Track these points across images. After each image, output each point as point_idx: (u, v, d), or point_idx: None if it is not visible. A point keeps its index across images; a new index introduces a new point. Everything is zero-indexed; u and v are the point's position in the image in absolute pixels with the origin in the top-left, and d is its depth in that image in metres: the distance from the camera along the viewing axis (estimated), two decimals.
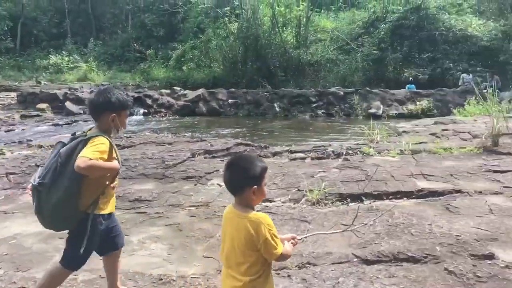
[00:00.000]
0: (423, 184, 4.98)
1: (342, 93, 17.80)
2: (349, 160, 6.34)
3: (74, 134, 2.47)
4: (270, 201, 4.69)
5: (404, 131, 9.79)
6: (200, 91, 18.52)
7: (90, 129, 2.48)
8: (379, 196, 4.69)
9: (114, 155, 2.40)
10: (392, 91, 17.61)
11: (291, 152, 7.36)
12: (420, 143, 7.46)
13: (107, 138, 2.36)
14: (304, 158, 6.91)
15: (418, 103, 16.77)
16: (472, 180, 5.14)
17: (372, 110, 16.40)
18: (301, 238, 2.33)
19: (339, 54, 25.03)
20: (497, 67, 22.72)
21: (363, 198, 4.64)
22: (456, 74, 22.14)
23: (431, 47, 23.59)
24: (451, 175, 5.33)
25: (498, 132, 6.62)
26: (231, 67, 25.05)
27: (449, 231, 3.59)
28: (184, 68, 27.30)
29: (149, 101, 17.75)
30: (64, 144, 2.35)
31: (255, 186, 1.81)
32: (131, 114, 15.37)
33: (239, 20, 26.13)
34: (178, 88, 19.56)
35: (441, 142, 7.37)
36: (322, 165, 6.19)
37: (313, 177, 5.44)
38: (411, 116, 16.30)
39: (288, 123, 15.70)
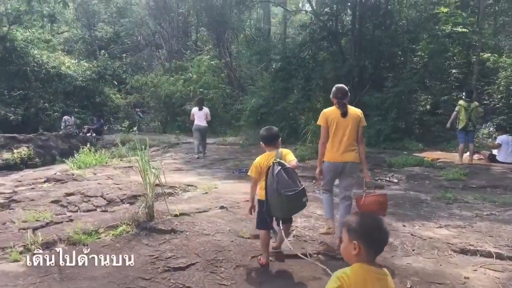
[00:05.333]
0: None
1: None
2: None
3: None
4: None
5: (12, 199, 7.03)
6: None
7: (273, 155, 3.90)
8: None
9: None
10: None
11: None
12: (46, 222, 5.11)
13: None
14: None
15: (15, 150, 13.78)
16: None
17: None
18: None
19: None
20: (93, 108, 22.39)
21: None
22: (53, 115, 20.26)
23: (22, 83, 20.74)
24: None
25: (152, 201, 5.20)
26: None
27: None
28: None
29: None
30: (281, 165, 3.71)
31: None
32: None
33: None
34: None
35: (76, 219, 5.30)
36: None
37: None
38: (8, 167, 13.17)
39: None
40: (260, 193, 3.90)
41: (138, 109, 25.11)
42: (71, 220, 5.25)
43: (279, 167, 3.66)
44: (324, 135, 4.72)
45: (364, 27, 16.30)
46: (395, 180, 8.83)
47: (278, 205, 3.65)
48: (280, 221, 3.93)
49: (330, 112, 4.67)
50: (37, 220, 5.24)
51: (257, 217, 4.02)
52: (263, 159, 3.98)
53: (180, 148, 15.27)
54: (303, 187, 3.74)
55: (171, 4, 26.03)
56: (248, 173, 4.10)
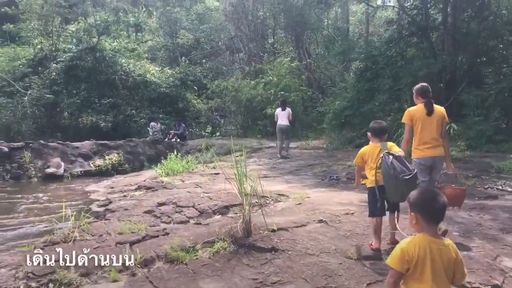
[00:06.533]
0: None
1: (6, 148, 13.47)
2: None
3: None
4: None
5: (106, 208, 7.12)
6: None
7: (379, 146, 4.28)
8: None
9: None
10: (75, 144, 14.55)
11: None
12: (142, 236, 4.95)
13: None
14: None
15: (107, 157, 14.35)
16: None
17: (51, 170, 12.95)
18: None
19: None
20: (176, 114, 22.94)
21: None
22: (140, 122, 21.01)
23: (111, 91, 21.77)
24: None
25: (250, 215, 4.87)
26: None
27: None
28: None
29: None
30: (392, 154, 4.04)
31: None
32: None
33: None
34: None
35: (171, 232, 5.11)
36: None
37: None
38: (100, 173, 13.73)
39: None
40: (370, 180, 4.30)
41: (217, 113, 25.40)
42: (167, 234, 5.06)
43: (391, 156, 4.01)
44: (408, 133, 5.01)
45: (458, 20, 15.00)
46: (510, 189, 7.80)
47: (395, 189, 3.93)
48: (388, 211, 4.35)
49: (416, 110, 4.93)
50: (132, 232, 5.12)
51: (369, 206, 4.40)
52: (368, 149, 4.39)
53: (263, 153, 15.01)
54: (416, 171, 4.01)
55: (249, 8, 26.03)
56: (353, 162, 4.53)
